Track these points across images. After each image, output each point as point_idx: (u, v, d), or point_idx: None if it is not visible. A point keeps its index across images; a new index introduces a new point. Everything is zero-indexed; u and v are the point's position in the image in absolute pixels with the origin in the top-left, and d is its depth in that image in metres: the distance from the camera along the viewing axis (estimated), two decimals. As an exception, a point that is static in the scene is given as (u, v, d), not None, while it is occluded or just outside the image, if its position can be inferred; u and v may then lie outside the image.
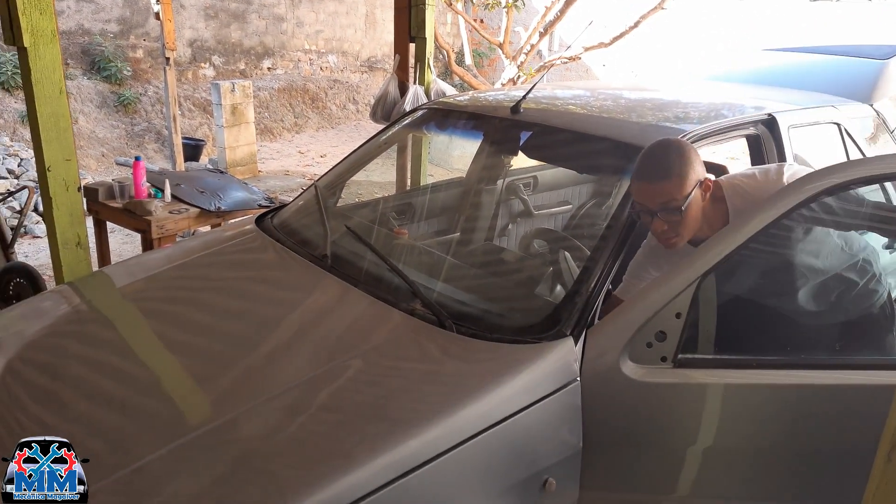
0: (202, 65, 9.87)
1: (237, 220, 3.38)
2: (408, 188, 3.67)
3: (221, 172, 4.08)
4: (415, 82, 3.83)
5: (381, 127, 3.00)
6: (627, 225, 1.72)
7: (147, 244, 3.27)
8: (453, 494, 1.36)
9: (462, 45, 9.05)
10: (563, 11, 6.97)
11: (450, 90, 3.91)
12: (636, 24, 6.91)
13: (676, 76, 6.95)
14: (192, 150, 7.80)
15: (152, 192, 3.48)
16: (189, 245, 2.47)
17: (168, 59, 5.86)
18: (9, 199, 5.08)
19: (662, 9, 6.83)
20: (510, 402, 1.43)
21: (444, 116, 2.74)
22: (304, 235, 2.24)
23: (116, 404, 1.53)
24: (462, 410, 1.38)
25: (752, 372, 1.58)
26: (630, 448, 1.60)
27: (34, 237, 5.51)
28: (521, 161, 3.26)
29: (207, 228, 3.70)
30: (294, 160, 9.03)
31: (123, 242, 5.29)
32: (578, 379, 1.52)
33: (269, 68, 10.76)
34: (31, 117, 2.41)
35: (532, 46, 7.40)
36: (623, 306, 1.59)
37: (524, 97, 2.33)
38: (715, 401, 1.58)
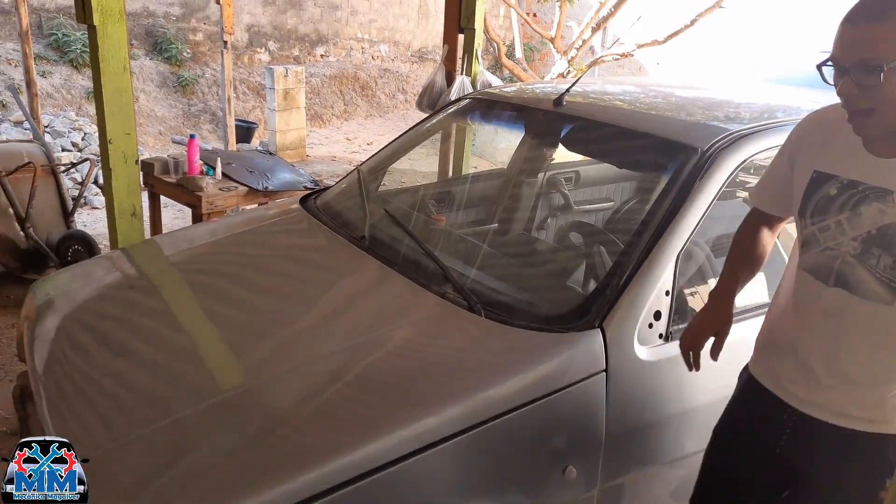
0: (258, 49, 10.09)
1: (282, 199, 3.48)
2: (449, 177, 3.71)
3: (270, 154, 4.20)
4: (462, 73, 3.86)
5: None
6: (663, 222, 1.73)
7: (197, 219, 3.40)
8: (472, 473, 1.41)
9: (513, 38, 9.03)
10: (616, 7, 6.90)
11: (496, 82, 3.93)
12: (692, 23, 6.78)
13: (733, 76, 6.81)
14: (245, 132, 8.00)
15: (204, 170, 3.61)
16: (236, 220, 2.58)
17: (226, 42, 6.02)
18: (71, 170, 5.31)
19: (720, 7, 6.69)
20: (533, 388, 1.47)
21: (487, 107, 2.77)
22: (345, 217, 2.31)
23: (158, 363, 1.62)
24: (485, 392, 1.42)
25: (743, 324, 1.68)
26: (647, 428, 1.65)
27: (93, 208, 5.76)
28: (563, 155, 3.27)
29: (254, 206, 3.82)
30: (341, 146, 9.17)
31: (175, 217, 5.49)
32: (605, 370, 1.55)
33: (321, 55, 10.93)
34: (97, 92, 2.54)
35: (584, 41, 7.34)
36: (628, 296, 1.62)
37: (568, 90, 2.34)
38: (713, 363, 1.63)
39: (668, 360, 1.66)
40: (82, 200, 4.71)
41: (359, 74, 11.11)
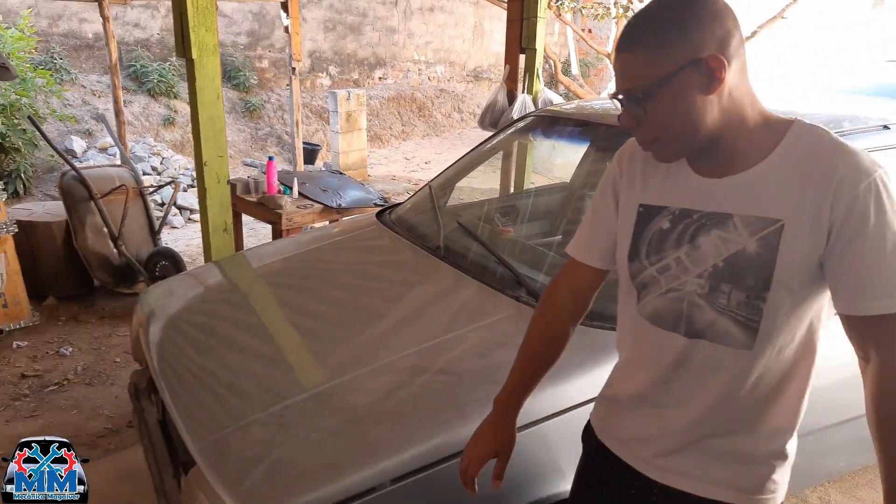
0: (319, 74, 10.52)
1: (353, 216, 3.69)
2: (512, 192, 3.85)
3: (340, 174, 4.44)
4: (523, 91, 4.01)
5: (486, 134, 3.21)
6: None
7: (277, 235, 3.64)
8: (552, 458, 1.53)
9: (569, 55, 9.15)
10: (673, 22, 6.93)
11: (557, 99, 4.06)
12: (753, 34, 6.77)
13: (800, 87, 6.73)
14: (309, 153, 8.36)
15: (281, 189, 3.86)
16: (317, 234, 2.78)
17: (294, 68, 6.35)
18: (156, 192, 5.70)
19: (783, 18, 6.66)
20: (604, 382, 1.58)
21: (551, 123, 2.91)
22: (420, 228, 2.48)
23: (262, 357, 1.81)
24: (563, 383, 1.55)
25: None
26: None
27: (172, 227, 6.14)
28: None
29: (324, 223, 4.05)
30: (400, 166, 9.44)
31: (248, 235, 5.81)
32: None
33: (380, 78, 11.30)
34: (193, 119, 2.80)
35: (640, 57, 7.40)
36: None
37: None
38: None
39: None
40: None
41: (416, 95, 11.42)
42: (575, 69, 8.67)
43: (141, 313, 2.26)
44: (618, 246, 1.21)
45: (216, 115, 2.80)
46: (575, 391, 1.55)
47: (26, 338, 3.66)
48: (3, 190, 3.69)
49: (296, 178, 3.88)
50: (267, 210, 3.65)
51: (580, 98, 7.67)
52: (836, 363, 1.95)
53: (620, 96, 1.06)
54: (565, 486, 1.54)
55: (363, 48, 10.95)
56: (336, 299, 2.12)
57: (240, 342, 1.91)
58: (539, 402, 1.50)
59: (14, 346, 3.57)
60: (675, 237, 1.10)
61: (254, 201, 3.77)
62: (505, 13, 4.28)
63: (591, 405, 1.54)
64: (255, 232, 5.89)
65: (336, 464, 1.36)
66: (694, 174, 1.10)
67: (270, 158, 3.86)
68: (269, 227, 3.89)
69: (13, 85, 6.26)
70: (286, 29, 6.15)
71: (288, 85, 7.07)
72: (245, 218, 4.24)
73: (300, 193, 3.84)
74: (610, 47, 7.64)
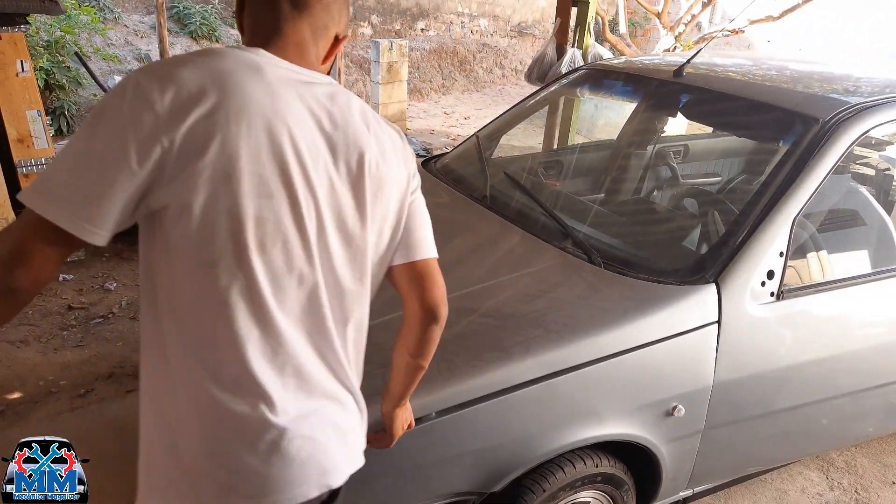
0: (361, 23, 10.41)
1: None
2: (557, 147, 3.82)
3: (383, 122, 4.44)
4: (573, 45, 3.93)
5: (528, 91, 3.17)
6: (782, 186, 1.80)
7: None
8: (591, 402, 1.57)
9: (616, 13, 8.90)
10: (730, -19, 6.67)
11: (607, 54, 3.98)
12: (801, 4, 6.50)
13: (855, 52, 6.48)
14: (349, 103, 8.34)
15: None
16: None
17: (338, 15, 6.30)
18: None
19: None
20: (651, 331, 1.60)
21: (602, 77, 2.87)
22: (466, 178, 2.49)
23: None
24: (607, 331, 1.57)
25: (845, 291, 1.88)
26: (753, 379, 1.77)
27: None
28: (673, 129, 3.31)
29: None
30: (439, 120, 9.37)
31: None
32: (717, 321, 1.66)
33: (422, 29, 11.13)
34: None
35: (693, 17, 7.17)
36: (744, 254, 1.71)
37: (689, 60, 2.41)
38: (819, 323, 1.87)
39: (779, 317, 1.77)
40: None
41: (458, 49, 11.25)
42: (623, 28, 8.43)
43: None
44: None
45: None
46: (618, 340, 1.57)
47: (72, 272, 3.78)
48: (50, 125, 3.76)
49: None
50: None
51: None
52: (869, 331, 1.97)
53: None
54: (602, 429, 1.58)
55: (407, -2, 10.79)
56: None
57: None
58: (580, 348, 1.53)
59: (60, 278, 3.70)
60: None
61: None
62: (557, -36, 4.17)
63: (634, 353, 1.57)
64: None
65: (385, 392, 1.41)
66: None
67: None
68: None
69: (58, 21, 6.31)
70: (333, -26, 6.09)
71: (331, 32, 7.03)
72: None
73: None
74: (661, 6, 7.41)
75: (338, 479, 1.04)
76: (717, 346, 1.67)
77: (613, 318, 1.60)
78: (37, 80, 4.21)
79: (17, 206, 3.47)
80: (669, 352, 1.63)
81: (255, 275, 0.90)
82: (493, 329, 1.59)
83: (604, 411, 1.58)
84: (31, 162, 3.63)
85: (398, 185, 1.06)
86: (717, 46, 11.20)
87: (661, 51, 7.28)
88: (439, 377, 1.44)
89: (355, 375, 1.12)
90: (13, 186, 3.57)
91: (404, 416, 1.30)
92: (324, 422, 1.01)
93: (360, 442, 1.12)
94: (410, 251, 1.10)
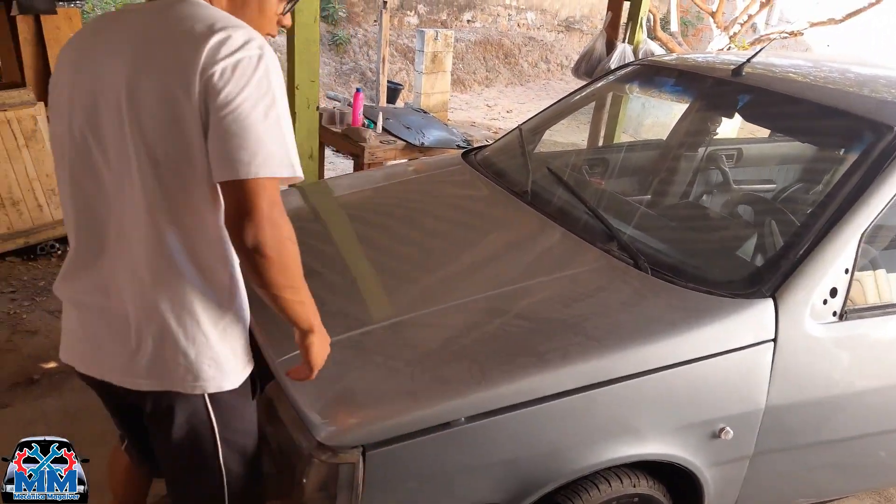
0: (408, 12, 10.34)
1: (439, 156, 3.62)
2: (602, 144, 3.70)
3: (424, 112, 4.36)
4: (623, 41, 3.80)
5: (573, 86, 3.04)
6: (849, 198, 1.67)
7: (358, 168, 3.62)
8: (631, 417, 1.46)
9: (668, 11, 8.65)
10: (791, -20, 6.42)
11: (659, 51, 3.84)
12: (878, 0, 6.20)
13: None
14: (392, 92, 8.29)
15: (366, 123, 3.82)
16: (402, 168, 2.74)
17: (385, 2, 6.25)
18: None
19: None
20: (700, 346, 1.49)
21: (654, 74, 2.74)
22: (507, 172, 2.39)
23: (344, 283, 1.79)
24: (653, 343, 1.46)
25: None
26: (809, 405, 1.65)
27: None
28: (725, 131, 3.16)
29: (400, 161, 4.00)
30: (481, 112, 9.26)
31: (327, 169, 5.85)
32: (773, 339, 1.55)
33: (468, 21, 11.02)
34: (289, 41, 2.77)
35: (750, 17, 6.93)
36: (806, 269, 1.58)
37: (749, 59, 2.28)
38: (884, 348, 1.74)
39: (840, 338, 1.64)
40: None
41: (503, 41, 11.11)
42: (675, 26, 8.20)
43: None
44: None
45: (312, 39, 2.76)
46: (663, 353, 1.46)
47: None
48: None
49: (381, 113, 3.83)
50: (350, 142, 3.63)
51: (678, 56, 7.27)
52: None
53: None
54: (642, 448, 1.48)
55: (454, -12, 10.67)
56: (420, 234, 2.08)
57: (321, 268, 1.89)
58: (623, 359, 1.43)
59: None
60: None
61: (338, 132, 3.75)
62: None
63: (681, 368, 1.46)
64: (334, 165, 5.92)
65: (413, 393, 1.33)
66: None
67: (358, 90, 3.82)
68: (348, 161, 3.88)
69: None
70: (380, -39, 6.04)
71: (376, 21, 6.99)
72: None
73: (384, 129, 3.79)
74: (715, 6, 7.16)
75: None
76: (772, 366, 1.55)
77: (660, 329, 1.49)
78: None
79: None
80: (719, 369, 1.51)
81: None
82: (529, 333, 1.50)
83: (645, 428, 1.48)
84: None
85: None
86: (773, 49, 10.84)
87: (715, 51, 7.05)
88: (470, 381, 1.36)
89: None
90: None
91: (318, 345, 1.22)
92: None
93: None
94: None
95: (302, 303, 1.15)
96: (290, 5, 1.24)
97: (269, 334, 1.56)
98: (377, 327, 1.55)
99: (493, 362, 1.41)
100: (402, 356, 1.46)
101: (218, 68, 1.00)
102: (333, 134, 3.77)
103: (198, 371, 1.15)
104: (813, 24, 6.63)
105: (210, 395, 1.18)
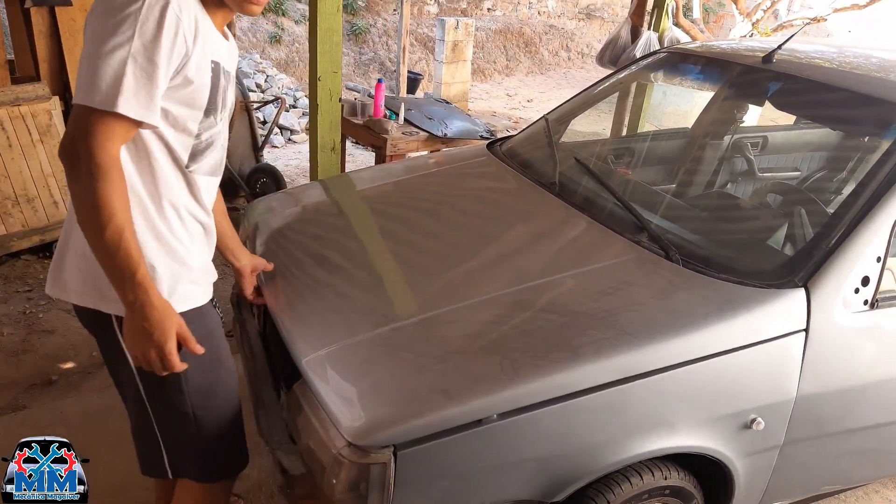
0: (428, 1, 10.29)
1: (463, 147, 3.61)
2: (629, 133, 3.66)
3: (447, 103, 4.34)
4: (649, 28, 3.75)
5: (595, 75, 3.01)
6: (882, 186, 1.64)
7: (380, 160, 3.62)
8: (664, 411, 1.46)
9: (691, -3, 8.52)
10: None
11: (685, 38, 3.79)
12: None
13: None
14: (412, 82, 8.28)
15: (387, 114, 3.82)
16: (425, 160, 2.73)
17: (405, -8, 6.22)
18: (260, 109, 5.79)
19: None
20: (732, 337, 1.48)
21: (680, 61, 2.70)
22: (533, 162, 2.38)
23: (370, 279, 1.79)
24: (685, 335, 1.45)
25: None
26: (841, 394, 1.64)
27: (272, 146, 6.27)
28: (752, 119, 3.11)
29: (423, 153, 3.99)
30: (501, 102, 9.21)
31: (347, 161, 5.85)
32: (805, 329, 1.53)
33: (488, 9, 10.94)
34: (311, 31, 2.76)
35: (773, 2, 6.80)
36: (837, 258, 1.57)
37: (780, 46, 2.24)
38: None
39: (871, 327, 1.63)
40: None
41: (524, 30, 11.02)
42: (696, 13, 8.08)
43: (248, 225, 2.29)
44: (184, 103, 1.22)
45: (335, 28, 2.75)
46: (696, 345, 1.45)
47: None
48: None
49: (402, 104, 3.83)
50: (372, 133, 3.63)
51: (701, 43, 7.17)
52: None
53: None
54: (675, 440, 1.48)
55: (473, -23, 10.60)
56: (447, 227, 2.08)
57: (346, 263, 1.90)
58: (656, 352, 1.42)
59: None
60: (224, 93, 1.30)
61: (360, 124, 3.75)
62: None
63: (713, 360, 1.45)
64: (353, 157, 5.93)
65: (445, 391, 1.33)
66: (220, 35, 1.29)
67: (380, 81, 3.82)
68: (368, 153, 3.88)
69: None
70: (400, -50, 6.00)
71: (395, 10, 6.96)
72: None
73: (406, 120, 3.78)
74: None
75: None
76: (804, 356, 1.54)
77: (692, 321, 1.48)
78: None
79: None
80: (752, 360, 1.50)
81: None
82: (561, 327, 1.49)
83: (677, 421, 1.47)
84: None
85: None
86: (799, 35, 10.64)
87: (738, 38, 6.94)
88: (502, 376, 1.35)
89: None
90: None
91: (130, 322, 1.15)
92: None
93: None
94: None
95: (109, 254, 1.10)
96: None
97: (298, 332, 1.57)
98: (406, 324, 1.54)
99: (526, 358, 1.40)
100: (433, 353, 1.45)
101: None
102: (354, 125, 3.77)
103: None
104: (836, 10, 6.50)
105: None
